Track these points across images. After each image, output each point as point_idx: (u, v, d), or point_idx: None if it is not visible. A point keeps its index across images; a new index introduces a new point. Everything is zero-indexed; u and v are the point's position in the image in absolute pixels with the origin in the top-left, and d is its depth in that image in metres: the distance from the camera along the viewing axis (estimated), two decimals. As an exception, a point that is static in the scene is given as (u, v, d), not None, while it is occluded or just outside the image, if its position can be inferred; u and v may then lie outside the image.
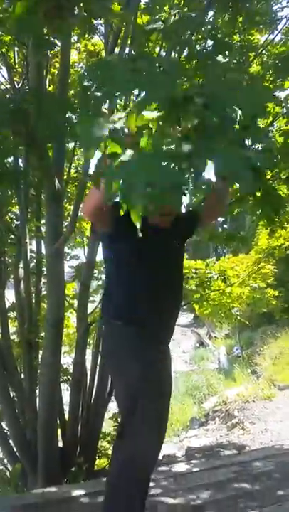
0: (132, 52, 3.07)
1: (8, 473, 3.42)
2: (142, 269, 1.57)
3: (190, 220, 1.81)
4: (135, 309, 1.56)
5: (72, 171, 3.82)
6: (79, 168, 4.12)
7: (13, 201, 3.45)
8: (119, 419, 1.95)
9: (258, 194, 4.08)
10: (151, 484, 2.17)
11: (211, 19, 3.06)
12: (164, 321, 1.63)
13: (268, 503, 1.99)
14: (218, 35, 2.42)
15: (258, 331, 9.39)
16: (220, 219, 5.52)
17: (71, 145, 3.58)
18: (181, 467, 2.66)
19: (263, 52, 3.70)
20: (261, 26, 3.16)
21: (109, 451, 3.27)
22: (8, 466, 3.42)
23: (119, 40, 3.03)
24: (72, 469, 3.12)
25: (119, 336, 1.61)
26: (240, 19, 3.15)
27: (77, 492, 2.16)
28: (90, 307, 3.48)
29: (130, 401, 1.54)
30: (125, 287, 1.59)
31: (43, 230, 3.55)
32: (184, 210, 1.81)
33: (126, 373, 1.58)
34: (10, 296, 3.52)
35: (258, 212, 4.32)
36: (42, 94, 1.42)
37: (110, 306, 1.67)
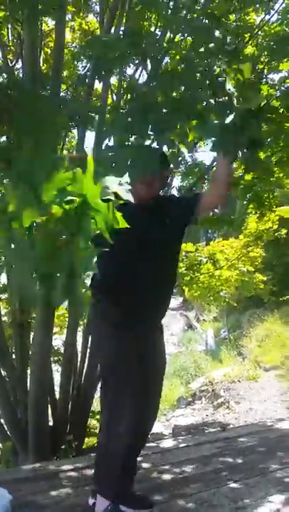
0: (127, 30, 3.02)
1: (-1, 451, 3.48)
2: (122, 251, 1.36)
3: (185, 205, 1.75)
4: (110, 286, 1.57)
5: (64, 152, 3.78)
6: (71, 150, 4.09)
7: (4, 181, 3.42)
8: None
9: (249, 178, 4.09)
10: (139, 459, 2.26)
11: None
12: (148, 299, 1.64)
13: (251, 475, 2.08)
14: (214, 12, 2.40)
15: (245, 314, 9.55)
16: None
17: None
18: (168, 443, 2.74)
19: (259, 32, 3.65)
20: (258, 6, 3.11)
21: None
22: (-1, 444, 3.48)
23: (115, 21, 2.98)
24: (62, 447, 3.20)
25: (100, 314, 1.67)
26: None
27: (66, 467, 2.23)
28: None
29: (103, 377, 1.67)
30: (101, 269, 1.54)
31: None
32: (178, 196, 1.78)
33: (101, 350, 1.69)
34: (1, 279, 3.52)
35: (247, 196, 4.36)
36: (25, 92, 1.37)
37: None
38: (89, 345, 3.47)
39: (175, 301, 13.15)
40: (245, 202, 4.46)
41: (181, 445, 2.65)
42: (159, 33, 3.43)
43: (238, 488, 1.96)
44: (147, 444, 2.70)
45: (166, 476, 2.10)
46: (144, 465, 2.24)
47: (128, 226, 0.82)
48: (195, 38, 1.73)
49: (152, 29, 3.69)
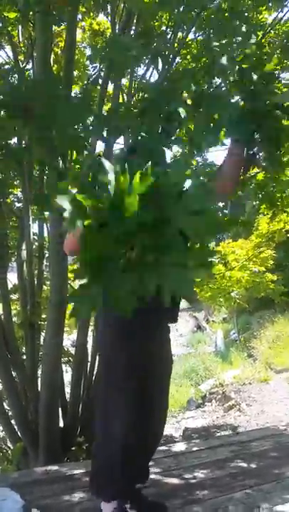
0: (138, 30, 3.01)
1: (10, 452, 3.48)
2: None
3: None
4: None
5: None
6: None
7: (15, 183, 3.42)
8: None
9: (261, 177, 4.05)
10: (151, 463, 2.23)
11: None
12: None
13: (266, 481, 2.05)
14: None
15: (255, 315, 9.47)
16: (220, 204, 5.47)
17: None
18: (180, 447, 2.71)
19: (271, 31, 3.61)
20: (270, 4, 3.07)
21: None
22: (10, 445, 3.48)
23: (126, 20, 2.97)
24: (72, 449, 3.18)
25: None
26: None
27: (79, 470, 2.21)
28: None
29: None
30: None
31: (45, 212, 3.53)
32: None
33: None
34: (12, 279, 3.52)
35: (259, 196, 4.31)
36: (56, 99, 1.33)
37: None
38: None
39: (184, 302, 13.09)
40: (256, 202, 4.40)
41: (194, 449, 2.61)
42: (170, 33, 3.41)
43: (253, 493, 1.92)
44: (159, 448, 2.67)
45: (180, 481, 2.07)
46: (157, 469, 2.21)
47: None
48: (214, 32, 1.71)
49: (163, 29, 3.67)
